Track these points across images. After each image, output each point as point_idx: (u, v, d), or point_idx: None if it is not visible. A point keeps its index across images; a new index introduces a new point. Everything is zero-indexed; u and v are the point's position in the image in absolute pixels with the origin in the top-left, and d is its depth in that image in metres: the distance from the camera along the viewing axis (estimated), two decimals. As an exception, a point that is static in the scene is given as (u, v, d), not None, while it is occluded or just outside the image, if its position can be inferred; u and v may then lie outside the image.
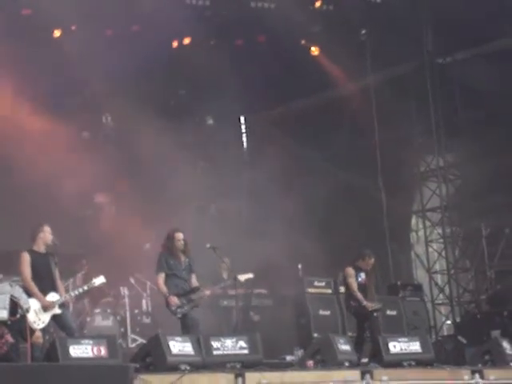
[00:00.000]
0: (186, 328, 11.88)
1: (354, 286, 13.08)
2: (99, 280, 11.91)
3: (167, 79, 17.59)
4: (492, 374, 11.94)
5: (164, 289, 12.09)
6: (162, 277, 12.14)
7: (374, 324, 12.83)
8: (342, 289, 15.69)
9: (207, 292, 12.24)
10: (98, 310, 14.34)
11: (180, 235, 12.29)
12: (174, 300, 11.95)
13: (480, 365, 12.48)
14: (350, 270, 13.22)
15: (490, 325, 15.72)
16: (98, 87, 16.84)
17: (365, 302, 12.88)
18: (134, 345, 14.31)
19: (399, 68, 18.26)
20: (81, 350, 10.36)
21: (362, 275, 13.22)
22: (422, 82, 18.13)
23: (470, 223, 18.31)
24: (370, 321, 12.87)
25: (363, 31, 18.18)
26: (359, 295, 13.00)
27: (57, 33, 16.53)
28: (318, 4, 17.21)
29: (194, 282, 12.29)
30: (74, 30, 16.41)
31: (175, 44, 17.52)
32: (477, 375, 11.82)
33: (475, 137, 17.60)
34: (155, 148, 17.11)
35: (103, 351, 10.46)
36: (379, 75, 18.38)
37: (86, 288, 11.92)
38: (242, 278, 12.75)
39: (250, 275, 12.89)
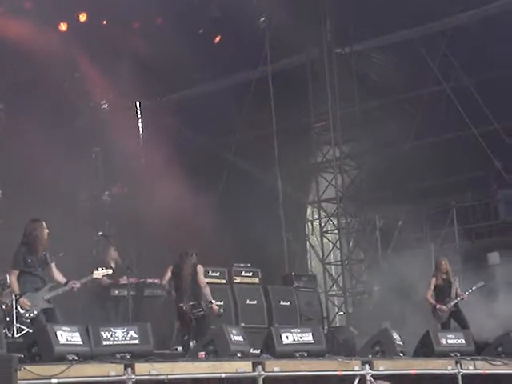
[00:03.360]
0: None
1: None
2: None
3: (61, 61, 17.11)
4: (382, 365, 12.00)
5: (16, 288, 11.23)
6: (15, 274, 11.23)
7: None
8: (238, 279, 15.66)
9: (65, 288, 11.32)
10: (-19, 299, 13.86)
11: (44, 224, 11.27)
12: (24, 302, 11.15)
13: (370, 355, 12.54)
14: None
15: (381, 316, 15.86)
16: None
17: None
18: (19, 334, 13.88)
19: (298, 57, 18.24)
20: (-38, 339, 9.98)
21: None
22: (320, 72, 18.15)
23: (365, 214, 18.48)
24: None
25: (262, 18, 18.09)
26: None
27: None
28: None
29: (55, 274, 11.41)
30: None
31: (66, 25, 17.05)
32: (367, 366, 11.86)
33: (372, 128, 17.73)
34: (48, 134, 16.63)
35: (-14, 341, 10.08)
36: (277, 63, 18.32)
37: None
38: (98, 274, 11.84)
39: (109, 271, 12.23)
